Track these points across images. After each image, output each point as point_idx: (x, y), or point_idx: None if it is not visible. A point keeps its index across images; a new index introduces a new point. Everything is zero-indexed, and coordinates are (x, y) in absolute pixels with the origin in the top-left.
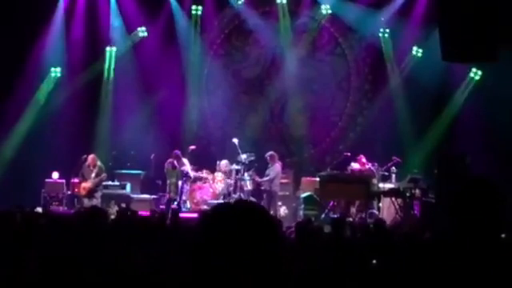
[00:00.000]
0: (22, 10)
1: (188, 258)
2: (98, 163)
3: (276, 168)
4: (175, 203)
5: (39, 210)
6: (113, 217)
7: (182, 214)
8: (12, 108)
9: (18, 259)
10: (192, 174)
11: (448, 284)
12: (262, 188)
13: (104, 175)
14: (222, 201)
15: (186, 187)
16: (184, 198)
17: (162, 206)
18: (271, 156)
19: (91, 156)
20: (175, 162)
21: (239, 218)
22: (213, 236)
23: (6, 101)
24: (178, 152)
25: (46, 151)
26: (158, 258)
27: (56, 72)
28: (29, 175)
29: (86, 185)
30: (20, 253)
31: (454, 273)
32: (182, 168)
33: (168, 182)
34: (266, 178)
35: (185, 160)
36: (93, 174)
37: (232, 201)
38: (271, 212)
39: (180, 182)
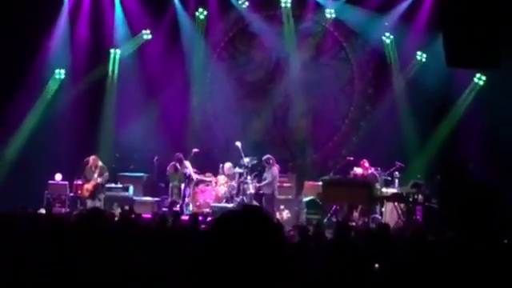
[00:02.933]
0: (27, 12)
1: (194, 264)
2: (100, 163)
3: (273, 171)
4: (178, 206)
5: (42, 211)
6: (116, 219)
7: (184, 217)
8: (16, 109)
9: (20, 260)
10: (194, 176)
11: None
12: (261, 192)
13: (106, 175)
14: (225, 204)
15: (189, 190)
16: (187, 200)
17: (164, 209)
18: (268, 159)
19: (92, 157)
20: (177, 165)
21: (244, 223)
22: (218, 243)
23: (11, 102)
24: (180, 155)
25: (49, 153)
26: (159, 260)
27: (60, 74)
28: (32, 177)
29: (89, 186)
30: (22, 253)
31: (456, 277)
32: (185, 171)
33: (170, 184)
34: (264, 182)
35: (187, 163)
36: (95, 175)
37: (235, 205)
38: None
39: (182, 185)
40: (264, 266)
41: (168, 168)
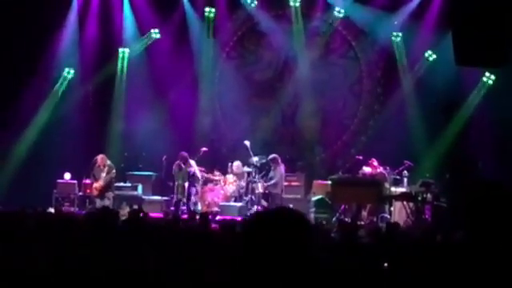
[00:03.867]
0: (37, 11)
1: (229, 266)
2: (108, 162)
3: (279, 171)
4: (183, 204)
5: (51, 210)
6: (124, 218)
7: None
8: (25, 108)
9: (29, 259)
10: (199, 174)
11: (459, 287)
12: (267, 192)
13: (113, 172)
14: (234, 203)
15: (194, 188)
16: (194, 199)
17: (171, 208)
18: (274, 159)
19: (100, 156)
20: (181, 164)
21: (283, 226)
22: (255, 244)
23: (20, 101)
24: (184, 153)
25: (58, 152)
26: (168, 259)
27: (69, 73)
28: (41, 176)
29: (98, 185)
30: (32, 253)
31: (465, 277)
32: (189, 169)
33: (176, 183)
34: (271, 182)
35: (192, 161)
36: (103, 174)
37: (244, 204)
38: None
39: (186, 184)
40: (298, 265)
41: (173, 167)
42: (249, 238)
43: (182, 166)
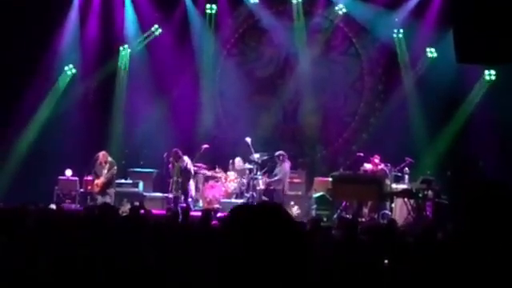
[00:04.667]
0: (38, 8)
1: (214, 262)
2: (109, 159)
3: (284, 168)
4: (183, 201)
5: (53, 206)
6: (125, 214)
7: (193, 213)
8: (27, 105)
9: (30, 255)
10: (192, 169)
11: (459, 284)
12: (271, 188)
13: (115, 168)
14: (235, 200)
15: (189, 184)
16: (195, 196)
17: (171, 205)
18: (280, 155)
19: (102, 153)
20: (174, 160)
21: (264, 221)
22: (239, 241)
23: (21, 98)
24: (176, 150)
25: (59, 149)
26: (169, 255)
27: (71, 70)
28: (42, 172)
29: (99, 181)
30: (33, 249)
31: (465, 274)
32: (181, 164)
33: (171, 180)
34: (274, 178)
35: (185, 157)
36: (105, 171)
37: (245, 200)
38: None
39: (180, 180)
40: (286, 262)
41: (169, 165)
42: (226, 236)
43: (175, 162)
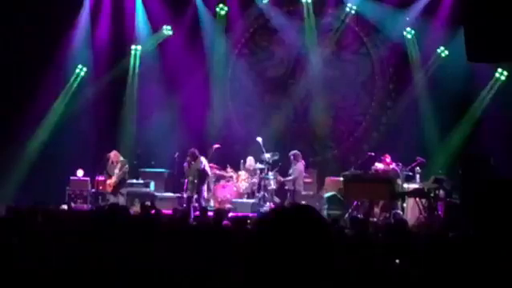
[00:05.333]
0: (49, 9)
1: (240, 263)
2: (121, 158)
3: (299, 167)
4: (195, 201)
5: (64, 207)
6: (136, 214)
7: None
8: (38, 106)
9: (41, 255)
10: (209, 170)
11: (470, 283)
12: (286, 187)
13: (126, 167)
14: (246, 200)
15: (205, 185)
16: (206, 196)
17: (184, 205)
18: (295, 155)
19: (113, 152)
20: (191, 161)
21: (298, 223)
22: (269, 242)
23: (33, 98)
24: (193, 150)
25: (70, 149)
26: (180, 256)
27: (82, 70)
28: (54, 173)
29: (112, 181)
30: (43, 248)
31: (476, 273)
32: (198, 165)
33: (186, 180)
34: (289, 178)
35: (202, 158)
36: (116, 170)
37: (257, 200)
38: None
39: (196, 181)
40: (314, 263)
41: (184, 164)
42: (263, 236)
43: (192, 162)
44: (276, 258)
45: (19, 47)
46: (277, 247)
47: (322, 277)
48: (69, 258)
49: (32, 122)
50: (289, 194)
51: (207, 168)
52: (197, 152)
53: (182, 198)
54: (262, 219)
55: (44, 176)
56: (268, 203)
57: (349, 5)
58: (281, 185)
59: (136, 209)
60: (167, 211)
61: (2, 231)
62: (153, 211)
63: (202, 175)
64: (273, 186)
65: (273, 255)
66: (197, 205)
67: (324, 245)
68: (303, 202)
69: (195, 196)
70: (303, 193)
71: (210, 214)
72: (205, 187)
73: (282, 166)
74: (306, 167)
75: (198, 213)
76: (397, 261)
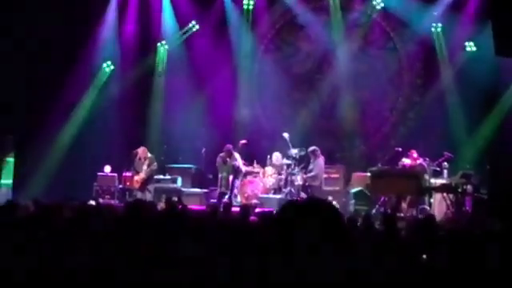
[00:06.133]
0: (76, 5)
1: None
2: (149, 155)
3: (319, 163)
4: (226, 197)
5: (92, 202)
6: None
7: (233, 208)
8: (65, 102)
9: (69, 249)
10: (243, 168)
11: (498, 280)
12: (307, 184)
13: (155, 164)
14: (273, 195)
15: (238, 182)
16: (235, 192)
17: (212, 200)
18: (313, 151)
19: (141, 148)
20: (227, 157)
21: (313, 216)
22: (286, 235)
23: (60, 95)
24: (229, 146)
25: (98, 145)
26: (208, 251)
27: (109, 66)
28: (81, 168)
29: (139, 177)
30: (71, 243)
31: (503, 269)
32: (234, 163)
33: (220, 176)
34: (310, 174)
35: (236, 155)
36: (144, 166)
37: (283, 196)
38: None
39: (231, 177)
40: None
41: (217, 159)
42: (281, 226)
43: (227, 159)
44: (293, 246)
45: (47, 43)
46: (293, 236)
47: (338, 265)
48: (96, 253)
49: (60, 118)
50: (309, 190)
51: (242, 166)
52: (232, 149)
53: (209, 193)
54: (280, 211)
55: (72, 172)
56: (294, 199)
57: (376, 0)
58: (305, 181)
59: (163, 205)
60: (194, 207)
61: (30, 226)
62: (179, 206)
63: (237, 173)
64: (299, 181)
65: (290, 243)
66: (227, 200)
67: (338, 236)
68: (330, 198)
69: (228, 192)
70: (329, 188)
71: (236, 209)
72: (237, 183)
73: (308, 162)
74: (333, 163)
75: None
76: (424, 256)
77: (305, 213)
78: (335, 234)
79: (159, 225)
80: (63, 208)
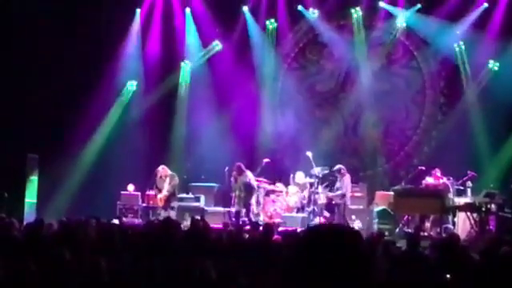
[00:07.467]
0: (101, 24)
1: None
2: (169, 172)
3: (346, 181)
4: (243, 215)
5: (115, 221)
6: (186, 229)
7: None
8: (90, 119)
9: (92, 268)
10: (255, 184)
11: None
12: (333, 202)
13: (176, 179)
14: (296, 214)
15: (252, 198)
16: (256, 210)
17: (233, 219)
18: (339, 170)
19: (161, 167)
20: (237, 175)
21: (333, 244)
22: (307, 261)
23: (84, 113)
24: (239, 164)
25: (121, 163)
26: (231, 269)
27: (132, 85)
28: (105, 187)
29: (162, 195)
30: (95, 261)
31: None
32: (244, 180)
33: (233, 195)
34: (337, 193)
35: (248, 172)
36: (166, 184)
37: (307, 214)
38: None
39: (243, 195)
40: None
41: (231, 178)
42: (302, 251)
43: (238, 177)
44: (315, 271)
45: (72, 60)
46: (314, 261)
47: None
48: (121, 271)
49: (84, 137)
50: (336, 209)
51: (253, 182)
52: (243, 166)
53: (230, 212)
54: (303, 236)
55: (95, 190)
56: (318, 218)
57: (399, 19)
58: (330, 199)
59: (186, 223)
60: (216, 225)
61: (55, 245)
62: (202, 225)
63: (249, 189)
64: (322, 200)
65: (312, 268)
66: (246, 219)
67: (357, 269)
68: (353, 217)
69: (243, 210)
70: (352, 207)
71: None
72: (252, 201)
73: (331, 181)
74: (356, 181)
75: (248, 227)
76: (448, 276)
77: (327, 240)
78: (354, 263)
79: (185, 243)
80: (87, 227)
